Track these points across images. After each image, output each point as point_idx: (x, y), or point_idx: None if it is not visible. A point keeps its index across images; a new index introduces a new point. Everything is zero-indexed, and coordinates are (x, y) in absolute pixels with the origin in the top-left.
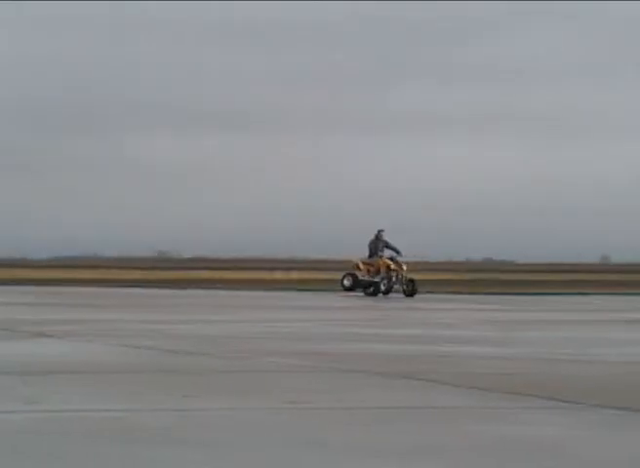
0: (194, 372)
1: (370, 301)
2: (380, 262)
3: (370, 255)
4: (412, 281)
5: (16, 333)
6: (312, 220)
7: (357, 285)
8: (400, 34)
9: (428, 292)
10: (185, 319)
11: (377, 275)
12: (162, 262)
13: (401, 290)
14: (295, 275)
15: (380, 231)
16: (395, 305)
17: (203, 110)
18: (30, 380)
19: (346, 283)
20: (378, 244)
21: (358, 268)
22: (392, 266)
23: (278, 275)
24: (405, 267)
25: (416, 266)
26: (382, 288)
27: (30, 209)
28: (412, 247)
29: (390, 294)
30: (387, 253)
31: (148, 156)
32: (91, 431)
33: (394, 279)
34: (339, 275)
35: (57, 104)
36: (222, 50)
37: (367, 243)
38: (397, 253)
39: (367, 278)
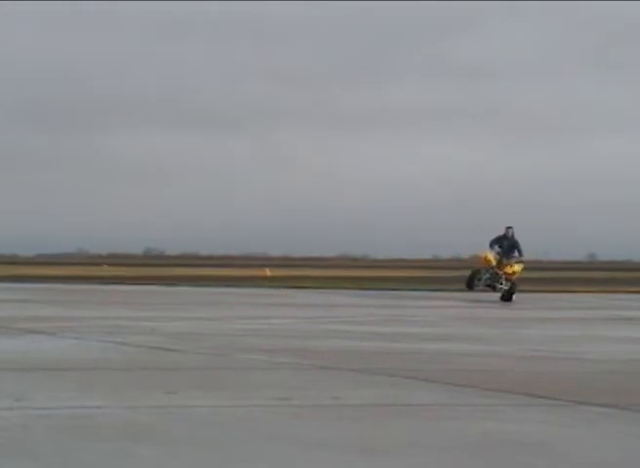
0: (183, 369)
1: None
2: (482, 256)
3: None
4: (513, 284)
5: (7, 330)
6: (309, 219)
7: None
8: (389, 33)
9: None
10: (176, 316)
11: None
12: (151, 259)
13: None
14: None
15: (507, 228)
16: (398, 303)
17: (195, 109)
18: (20, 377)
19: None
20: (502, 241)
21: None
22: (492, 263)
23: (268, 272)
24: (510, 269)
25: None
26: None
27: (18, 206)
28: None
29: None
30: (515, 253)
31: (138, 154)
32: (80, 427)
33: (487, 276)
34: None
35: (44, 103)
36: (218, 49)
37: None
38: (519, 253)
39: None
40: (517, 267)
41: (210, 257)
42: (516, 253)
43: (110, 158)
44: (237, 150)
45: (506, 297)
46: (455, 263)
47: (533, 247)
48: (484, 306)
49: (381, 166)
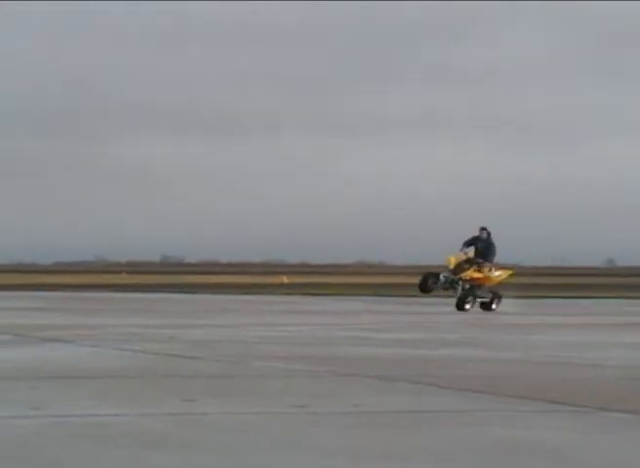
0: (201, 376)
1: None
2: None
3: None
4: (468, 291)
5: (25, 339)
6: (325, 226)
7: None
8: (390, 37)
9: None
10: (194, 324)
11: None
12: (168, 267)
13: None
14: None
15: (481, 229)
16: (392, 309)
17: (203, 116)
18: (38, 385)
19: None
20: (476, 243)
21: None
22: (451, 266)
23: (285, 279)
24: (468, 274)
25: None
26: None
27: (37, 215)
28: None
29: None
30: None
31: (150, 162)
32: (95, 435)
33: (443, 280)
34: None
35: (52, 110)
36: (221, 55)
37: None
38: (485, 258)
39: None
40: (498, 273)
41: (228, 265)
42: (488, 258)
43: (123, 165)
44: (249, 157)
45: (460, 306)
46: None
47: (550, 252)
48: (502, 313)
49: (392, 170)
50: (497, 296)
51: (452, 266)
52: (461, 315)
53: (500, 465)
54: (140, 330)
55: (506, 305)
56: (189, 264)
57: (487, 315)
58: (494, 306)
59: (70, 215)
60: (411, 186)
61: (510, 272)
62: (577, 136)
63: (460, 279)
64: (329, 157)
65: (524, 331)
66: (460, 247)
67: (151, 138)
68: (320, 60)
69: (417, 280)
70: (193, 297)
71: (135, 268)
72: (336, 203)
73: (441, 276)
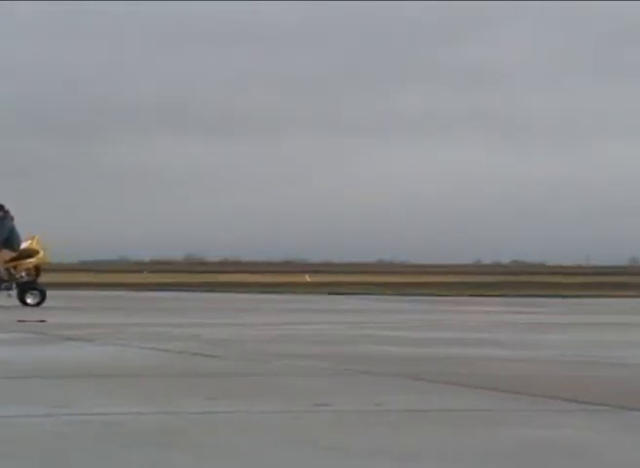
0: (223, 375)
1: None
2: None
3: None
4: None
5: (47, 337)
6: (346, 225)
7: None
8: (389, 38)
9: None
10: (217, 322)
11: None
12: (192, 266)
13: None
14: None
15: None
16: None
17: (203, 115)
18: (58, 384)
19: None
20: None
21: None
22: None
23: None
24: None
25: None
26: None
27: (58, 212)
28: (432, 250)
29: None
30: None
31: (150, 161)
32: (119, 434)
33: None
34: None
35: (52, 110)
36: (221, 54)
37: None
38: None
39: None
40: (29, 260)
41: (251, 263)
42: None
43: (123, 165)
44: (249, 157)
45: None
46: (496, 269)
47: (574, 251)
48: (519, 311)
49: (392, 171)
50: (30, 288)
51: None
52: (487, 315)
53: (519, 464)
54: (161, 328)
55: (528, 304)
56: (211, 263)
57: (511, 315)
58: (29, 300)
59: (93, 214)
60: (410, 186)
61: (35, 257)
62: (577, 136)
63: None
64: (329, 157)
65: (545, 330)
66: None
67: (151, 138)
68: (320, 60)
69: (444, 278)
70: (215, 296)
71: (159, 267)
72: (335, 203)
73: None
